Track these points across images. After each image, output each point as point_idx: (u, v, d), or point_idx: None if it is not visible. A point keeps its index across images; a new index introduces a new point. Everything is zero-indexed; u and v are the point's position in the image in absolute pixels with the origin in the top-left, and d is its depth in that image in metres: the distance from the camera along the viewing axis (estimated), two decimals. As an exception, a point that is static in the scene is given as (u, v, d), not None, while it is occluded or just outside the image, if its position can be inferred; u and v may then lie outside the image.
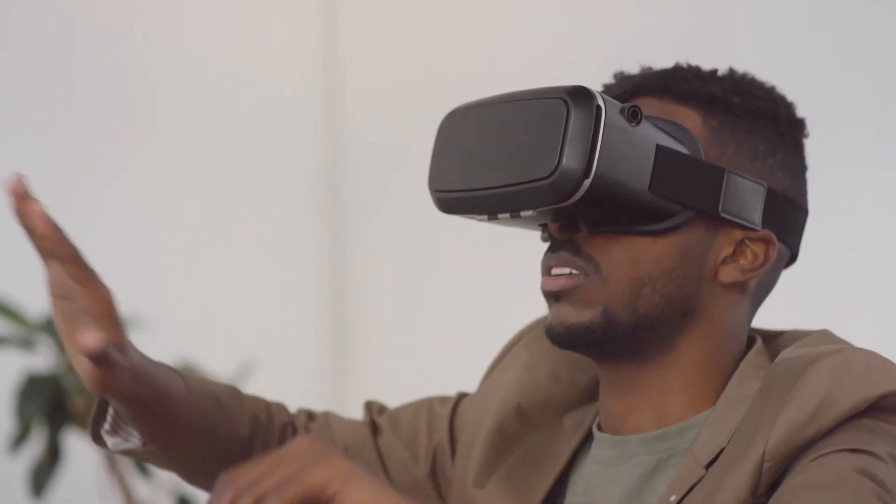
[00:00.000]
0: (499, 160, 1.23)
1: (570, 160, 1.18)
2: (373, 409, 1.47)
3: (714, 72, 1.32)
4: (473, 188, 1.25)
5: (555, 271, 1.27)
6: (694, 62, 1.33)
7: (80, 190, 2.73)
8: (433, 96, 2.82)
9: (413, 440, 1.43)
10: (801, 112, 1.33)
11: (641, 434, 1.27)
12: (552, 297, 1.27)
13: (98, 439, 1.32)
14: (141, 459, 1.34)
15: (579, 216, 1.25)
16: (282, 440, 1.39)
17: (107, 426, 1.32)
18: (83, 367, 1.18)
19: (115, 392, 1.21)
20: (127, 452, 1.33)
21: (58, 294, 1.17)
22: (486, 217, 1.26)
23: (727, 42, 2.43)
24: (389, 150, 2.41)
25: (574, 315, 1.25)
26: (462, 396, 1.45)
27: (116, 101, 2.81)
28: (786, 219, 1.29)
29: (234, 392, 1.38)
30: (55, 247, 1.13)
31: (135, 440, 1.31)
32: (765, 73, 1.33)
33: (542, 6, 2.78)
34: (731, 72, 1.33)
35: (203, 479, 1.37)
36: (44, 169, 2.58)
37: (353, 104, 3.08)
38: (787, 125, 1.31)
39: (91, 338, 1.10)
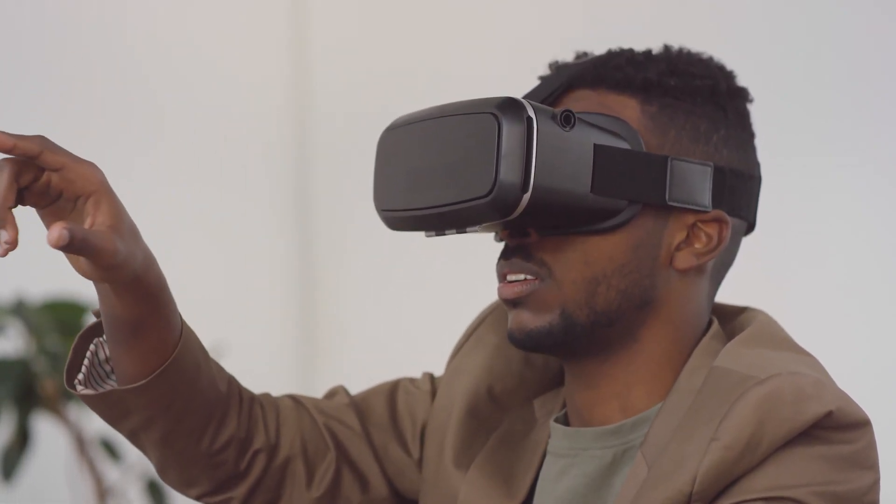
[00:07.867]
0: (439, 178, 1.22)
1: (507, 176, 1.17)
2: (339, 393, 1.42)
3: (648, 53, 1.30)
4: (417, 207, 1.24)
5: (510, 278, 1.26)
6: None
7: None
8: (403, 88, 2.82)
9: (395, 426, 1.40)
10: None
11: (596, 427, 1.27)
12: (510, 303, 1.27)
13: (71, 385, 1.25)
14: (112, 407, 1.24)
15: (527, 223, 1.24)
16: (251, 412, 1.33)
17: (80, 376, 1.25)
18: (76, 264, 1.13)
19: (123, 274, 1.14)
20: (90, 398, 1.24)
21: (44, 204, 1.14)
22: (433, 233, 1.26)
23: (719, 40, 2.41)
24: (359, 139, 2.42)
25: (533, 320, 1.25)
26: (433, 376, 1.43)
27: (85, 92, 2.78)
28: (736, 193, 1.28)
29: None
30: (24, 148, 1.10)
31: (109, 385, 1.25)
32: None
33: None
34: (667, 50, 1.31)
35: (175, 433, 1.27)
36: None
37: (322, 93, 3.07)
38: (728, 98, 1.29)
39: (53, 231, 1.06)
